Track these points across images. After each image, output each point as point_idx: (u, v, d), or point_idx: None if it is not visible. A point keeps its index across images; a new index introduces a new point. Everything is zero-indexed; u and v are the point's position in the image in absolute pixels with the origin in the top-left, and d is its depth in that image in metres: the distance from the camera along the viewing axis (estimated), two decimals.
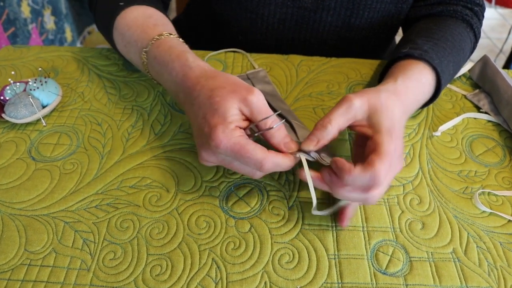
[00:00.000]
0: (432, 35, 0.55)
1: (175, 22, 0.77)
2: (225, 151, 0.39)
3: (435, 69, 0.50)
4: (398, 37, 0.68)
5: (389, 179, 0.40)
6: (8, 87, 0.54)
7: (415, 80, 0.49)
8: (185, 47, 0.49)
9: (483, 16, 0.62)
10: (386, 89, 0.45)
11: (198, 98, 0.42)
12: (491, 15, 2.75)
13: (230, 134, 0.39)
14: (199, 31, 0.79)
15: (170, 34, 0.49)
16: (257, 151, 0.39)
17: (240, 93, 0.40)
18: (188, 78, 0.44)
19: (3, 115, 0.52)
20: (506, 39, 2.04)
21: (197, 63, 0.45)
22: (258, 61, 0.65)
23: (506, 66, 1.61)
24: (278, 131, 0.42)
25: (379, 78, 0.56)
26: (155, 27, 0.51)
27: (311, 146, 0.41)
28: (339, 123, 0.41)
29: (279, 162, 0.40)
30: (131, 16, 0.53)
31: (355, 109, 0.42)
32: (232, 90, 0.40)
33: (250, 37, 0.71)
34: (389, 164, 0.38)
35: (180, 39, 0.50)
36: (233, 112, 0.40)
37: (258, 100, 0.40)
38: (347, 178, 0.38)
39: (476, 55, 0.69)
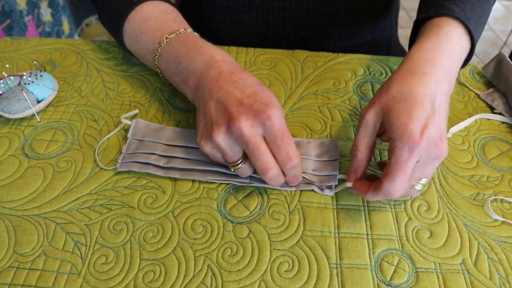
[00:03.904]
0: None
1: None
2: (274, 124, 0.39)
3: (457, 18, 0.45)
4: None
5: (416, 175, 0.39)
6: (1, 81, 0.52)
7: (435, 36, 0.44)
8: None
9: None
10: (398, 77, 0.41)
11: (245, 80, 0.42)
12: (495, 7, 2.69)
13: (283, 116, 0.40)
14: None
15: (194, 32, 0.50)
16: (295, 146, 0.40)
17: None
18: (231, 63, 0.45)
19: None
20: (511, 31, 1.99)
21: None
22: (262, 57, 0.62)
23: (510, 59, 1.57)
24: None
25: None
26: (175, 22, 0.51)
27: (353, 178, 0.42)
28: (365, 144, 0.41)
29: (298, 156, 0.41)
30: (147, 10, 0.52)
31: (371, 123, 0.41)
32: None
33: (229, 14, 0.69)
34: (403, 173, 0.37)
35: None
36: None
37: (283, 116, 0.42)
38: (366, 198, 0.41)
39: (479, 48, 0.66)
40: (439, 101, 0.40)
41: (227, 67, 0.44)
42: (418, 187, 0.39)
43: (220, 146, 0.40)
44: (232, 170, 0.42)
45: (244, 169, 0.42)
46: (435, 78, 0.40)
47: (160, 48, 0.49)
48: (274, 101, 0.40)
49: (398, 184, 0.37)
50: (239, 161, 0.41)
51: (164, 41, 0.48)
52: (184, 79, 0.46)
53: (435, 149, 0.37)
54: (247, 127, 0.39)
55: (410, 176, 0.38)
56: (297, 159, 0.40)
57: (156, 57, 0.50)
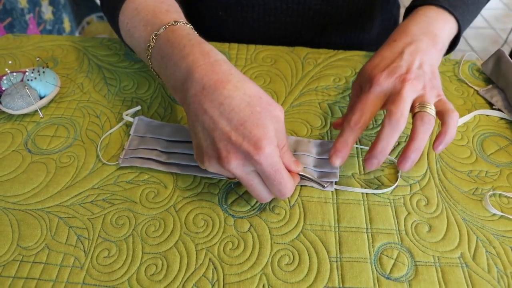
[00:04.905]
0: None
1: None
2: (264, 168, 0.37)
3: (441, 6, 0.50)
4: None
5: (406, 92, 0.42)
6: (5, 77, 0.52)
7: (417, 18, 0.50)
8: (202, 39, 0.44)
9: None
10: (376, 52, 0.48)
11: (232, 99, 0.37)
12: (495, 5, 2.69)
13: (275, 151, 0.37)
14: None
15: (186, 24, 0.46)
16: (289, 178, 0.39)
17: (275, 109, 0.39)
18: (214, 71, 0.39)
19: None
20: (511, 29, 1.99)
21: (221, 56, 0.41)
22: (263, 53, 0.63)
23: (510, 57, 1.57)
24: (287, 150, 0.41)
25: None
26: (167, 13, 0.47)
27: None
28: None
29: (292, 186, 0.40)
30: (140, 0, 0.49)
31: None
32: (268, 103, 0.38)
33: (232, 12, 0.69)
34: (366, 103, 0.43)
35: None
36: (272, 127, 0.37)
37: (283, 119, 0.40)
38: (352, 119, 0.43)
39: (480, 46, 0.66)
40: (409, 52, 0.45)
41: (210, 78, 0.38)
42: (430, 111, 0.41)
43: (214, 171, 0.40)
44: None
45: None
46: (404, 41, 0.47)
47: (150, 47, 0.45)
48: (264, 135, 0.36)
49: (357, 113, 0.42)
50: (235, 178, 0.42)
51: (153, 39, 0.44)
52: (172, 86, 0.43)
53: (399, 80, 0.42)
54: (238, 167, 0.37)
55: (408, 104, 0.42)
56: (290, 192, 0.39)
57: (148, 57, 0.46)
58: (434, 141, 0.42)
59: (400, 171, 0.47)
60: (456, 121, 0.42)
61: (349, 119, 0.42)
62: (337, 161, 0.43)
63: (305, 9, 0.67)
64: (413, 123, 0.41)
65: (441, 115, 0.43)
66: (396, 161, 0.47)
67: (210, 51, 0.41)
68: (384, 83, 0.43)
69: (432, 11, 0.50)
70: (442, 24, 0.49)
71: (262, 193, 0.40)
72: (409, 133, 0.43)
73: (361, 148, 0.49)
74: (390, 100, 0.42)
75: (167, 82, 0.44)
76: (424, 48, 0.46)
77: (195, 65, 0.39)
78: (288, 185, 0.38)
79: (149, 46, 0.45)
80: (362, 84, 0.46)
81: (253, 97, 0.38)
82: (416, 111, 0.42)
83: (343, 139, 0.42)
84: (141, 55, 0.49)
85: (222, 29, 0.72)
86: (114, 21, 0.52)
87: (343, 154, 0.42)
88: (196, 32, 0.45)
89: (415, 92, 0.42)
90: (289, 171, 0.40)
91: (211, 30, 0.72)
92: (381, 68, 0.44)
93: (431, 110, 0.41)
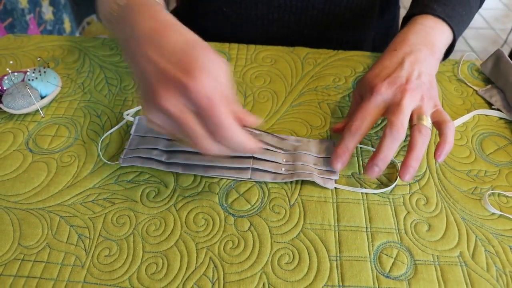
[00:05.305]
0: None
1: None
2: (198, 98, 0.33)
3: (438, 16, 0.52)
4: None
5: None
6: (6, 77, 0.52)
7: (415, 27, 0.51)
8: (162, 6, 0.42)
9: None
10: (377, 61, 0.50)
11: (170, 41, 0.36)
12: (495, 5, 2.69)
13: (213, 84, 0.33)
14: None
15: None
16: (236, 125, 0.35)
17: (218, 57, 0.36)
18: (157, 20, 0.38)
19: (0, 105, 0.51)
20: (511, 30, 1.99)
21: (169, 16, 0.40)
22: (263, 53, 0.63)
23: (509, 57, 1.57)
24: (240, 108, 0.37)
25: None
26: None
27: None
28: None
29: (244, 138, 0.36)
30: None
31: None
32: (210, 50, 0.36)
33: (236, 8, 0.69)
34: (365, 111, 0.44)
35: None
36: (211, 68, 0.34)
37: (227, 71, 0.36)
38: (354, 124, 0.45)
39: (479, 46, 0.67)
40: (409, 62, 0.47)
41: (151, 25, 0.38)
42: (426, 123, 0.43)
43: (157, 123, 0.36)
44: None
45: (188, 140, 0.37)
46: (404, 50, 0.48)
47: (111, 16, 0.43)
48: (199, 64, 0.34)
49: (358, 120, 0.44)
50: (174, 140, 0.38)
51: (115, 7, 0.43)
52: (121, 39, 0.41)
53: (399, 91, 0.44)
54: (170, 101, 0.34)
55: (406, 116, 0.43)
56: (227, 130, 0.34)
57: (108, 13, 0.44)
58: (435, 152, 0.44)
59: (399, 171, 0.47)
60: (453, 130, 0.44)
61: (350, 126, 0.45)
62: (338, 166, 0.45)
63: (308, 8, 0.68)
64: (411, 135, 0.43)
65: (438, 125, 0.45)
66: (396, 161, 0.48)
67: (162, 11, 0.40)
68: (384, 92, 0.45)
69: (430, 21, 0.52)
70: (440, 34, 0.52)
71: (204, 138, 0.35)
72: (407, 133, 0.43)
73: (361, 148, 0.50)
74: (390, 110, 0.44)
75: (118, 35, 0.43)
76: (423, 58, 0.47)
77: (140, 17, 0.39)
78: (234, 129, 0.34)
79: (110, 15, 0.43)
80: (362, 92, 0.48)
81: (194, 41, 0.36)
82: (414, 123, 0.43)
83: (344, 145, 0.45)
84: (102, 12, 0.47)
85: (225, 27, 0.72)
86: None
87: (343, 159, 0.45)
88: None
89: (414, 103, 0.44)
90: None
91: (213, 29, 0.73)
92: (382, 78, 0.46)
93: (428, 123, 0.43)
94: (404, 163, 0.42)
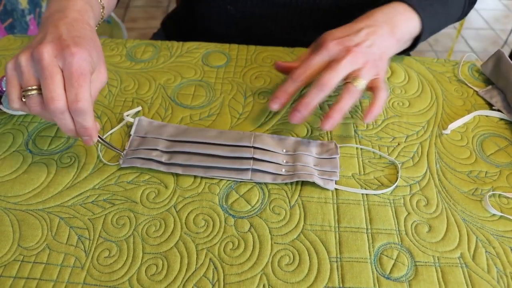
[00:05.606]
0: None
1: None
2: (74, 64, 0.39)
3: (408, 4, 0.54)
4: None
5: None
6: (5, 78, 0.52)
7: (386, 6, 0.53)
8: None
9: None
10: None
11: (83, 30, 0.43)
12: (495, 6, 2.68)
13: (89, 64, 0.40)
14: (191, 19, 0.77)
15: None
16: (89, 90, 0.40)
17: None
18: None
19: (0, 106, 0.51)
20: (511, 30, 1.99)
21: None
22: (263, 54, 0.63)
23: (510, 58, 1.57)
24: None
25: None
26: None
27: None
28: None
29: (91, 122, 0.41)
30: None
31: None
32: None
33: (241, 6, 0.69)
34: (309, 62, 0.47)
35: None
36: (92, 51, 0.41)
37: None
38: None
39: (479, 47, 0.67)
40: (365, 32, 0.49)
41: (74, 15, 0.44)
42: (357, 85, 0.45)
43: (21, 65, 0.40)
44: (23, 99, 0.41)
45: (34, 100, 0.40)
46: (366, 23, 0.50)
47: None
48: (88, 47, 0.41)
49: (302, 69, 0.47)
50: (32, 88, 0.40)
51: None
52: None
53: (344, 50, 0.46)
54: (49, 54, 0.39)
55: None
56: (85, 105, 0.39)
57: None
58: (364, 114, 0.47)
59: (399, 172, 0.47)
60: (384, 97, 0.47)
61: (293, 72, 0.48)
62: (275, 106, 0.49)
63: (313, 9, 0.68)
64: (342, 91, 0.46)
65: (372, 90, 0.48)
66: (396, 161, 0.48)
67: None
68: (331, 49, 0.47)
69: (400, 7, 0.54)
70: (406, 20, 0.54)
71: (56, 91, 0.39)
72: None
73: (361, 149, 0.50)
74: (329, 64, 0.46)
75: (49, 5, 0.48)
76: (381, 33, 0.50)
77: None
78: (87, 97, 0.39)
79: None
80: (316, 46, 0.50)
81: (96, 39, 0.44)
82: (347, 81, 0.46)
83: (284, 89, 0.48)
84: None
85: (228, 26, 0.72)
86: None
87: (281, 100, 0.48)
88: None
89: (354, 65, 0.46)
90: None
91: (215, 28, 0.73)
92: (335, 37, 0.48)
93: (360, 85, 0.46)
94: (327, 114, 0.46)
